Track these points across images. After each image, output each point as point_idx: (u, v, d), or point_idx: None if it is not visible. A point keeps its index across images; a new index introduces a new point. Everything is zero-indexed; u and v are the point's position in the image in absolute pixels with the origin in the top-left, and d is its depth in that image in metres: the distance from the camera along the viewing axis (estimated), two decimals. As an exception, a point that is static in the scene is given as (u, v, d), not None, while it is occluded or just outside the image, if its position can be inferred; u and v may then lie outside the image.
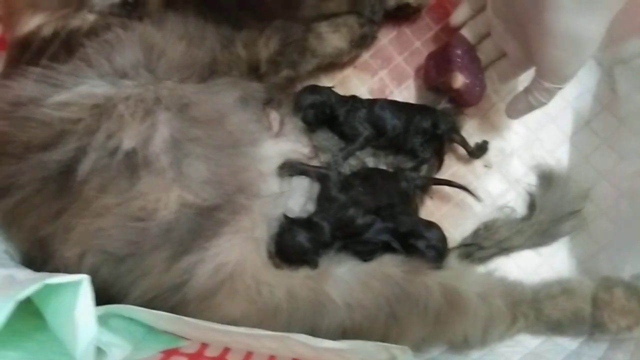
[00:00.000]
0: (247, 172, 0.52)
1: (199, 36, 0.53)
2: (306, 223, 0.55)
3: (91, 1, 0.50)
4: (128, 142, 0.47)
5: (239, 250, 0.50)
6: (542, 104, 0.54)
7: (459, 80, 0.58)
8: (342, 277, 0.51)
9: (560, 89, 0.51)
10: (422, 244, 0.54)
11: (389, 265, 0.52)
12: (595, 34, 0.45)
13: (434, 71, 0.62)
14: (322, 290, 0.50)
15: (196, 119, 0.50)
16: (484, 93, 0.61)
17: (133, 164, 0.47)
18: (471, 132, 0.65)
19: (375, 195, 0.58)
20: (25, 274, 0.50)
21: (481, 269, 0.60)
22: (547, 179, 0.63)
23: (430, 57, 0.63)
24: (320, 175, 0.58)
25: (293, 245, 0.53)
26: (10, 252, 0.55)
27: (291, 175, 0.57)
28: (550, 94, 0.52)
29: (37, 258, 0.51)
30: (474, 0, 0.60)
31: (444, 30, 0.67)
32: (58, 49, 0.49)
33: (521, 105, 0.55)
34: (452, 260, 0.57)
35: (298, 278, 0.51)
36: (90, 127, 0.47)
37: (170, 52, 0.52)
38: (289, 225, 0.54)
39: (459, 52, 0.58)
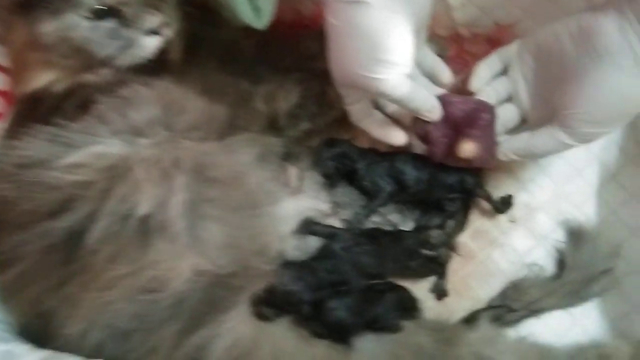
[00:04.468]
0: (265, 235, 0.49)
1: (219, 92, 0.52)
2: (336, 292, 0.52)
3: (113, 61, 0.48)
4: (143, 206, 0.44)
5: (253, 324, 0.46)
6: (544, 156, 0.52)
7: (469, 149, 0.53)
8: (369, 347, 0.48)
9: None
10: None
11: (419, 333, 0.49)
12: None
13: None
14: (347, 365, 0.46)
15: (214, 180, 0.48)
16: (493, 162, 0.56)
17: (146, 230, 0.44)
18: (494, 185, 0.62)
19: (380, 258, 0.56)
20: (24, 349, 0.46)
21: (512, 332, 0.57)
22: (576, 235, 0.60)
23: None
24: (329, 235, 0.55)
25: (335, 323, 0.49)
26: (11, 322, 0.51)
27: (304, 235, 0.54)
28: (563, 148, 0.51)
29: (38, 332, 0.47)
30: (492, 63, 0.57)
31: (465, 82, 0.65)
32: (71, 106, 0.47)
33: (520, 146, 0.53)
34: (484, 324, 0.53)
35: (321, 347, 0.48)
36: (102, 191, 0.44)
37: (189, 109, 0.50)
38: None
39: (487, 118, 0.54)
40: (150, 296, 0.44)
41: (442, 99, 0.54)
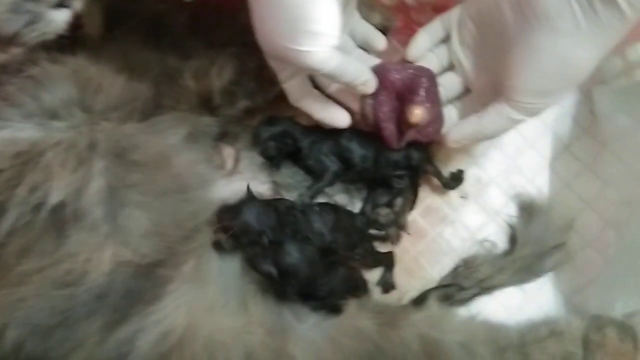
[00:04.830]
0: (195, 219, 0.46)
1: (141, 68, 0.48)
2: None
3: (23, 38, 0.44)
4: (55, 194, 0.41)
5: (187, 310, 0.44)
6: (496, 135, 0.50)
7: (418, 114, 0.51)
8: (307, 334, 0.46)
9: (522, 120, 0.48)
10: None
11: (360, 317, 0.47)
12: (588, 65, 0.41)
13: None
14: (284, 352, 0.44)
15: (136, 163, 0.44)
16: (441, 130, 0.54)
17: (61, 220, 0.41)
18: (445, 161, 0.60)
19: (333, 230, 0.53)
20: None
21: (463, 311, 0.56)
22: (527, 210, 0.58)
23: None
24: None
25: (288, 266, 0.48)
26: None
27: None
28: (513, 124, 0.48)
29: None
30: (433, 30, 0.54)
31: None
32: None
33: (470, 130, 0.51)
34: (432, 304, 0.52)
35: (258, 335, 0.46)
36: (11, 180, 0.41)
37: (107, 87, 0.46)
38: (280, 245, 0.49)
39: (426, 82, 0.51)
40: (67, 291, 0.41)
41: (379, 68, 0.51)
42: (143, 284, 0.42)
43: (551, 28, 0.41)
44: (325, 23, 0.42)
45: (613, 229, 0.58)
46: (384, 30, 0.60)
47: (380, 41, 0.55)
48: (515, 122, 0.48)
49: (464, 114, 0.54)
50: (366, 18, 0.57)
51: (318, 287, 0.49)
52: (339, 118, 0.53)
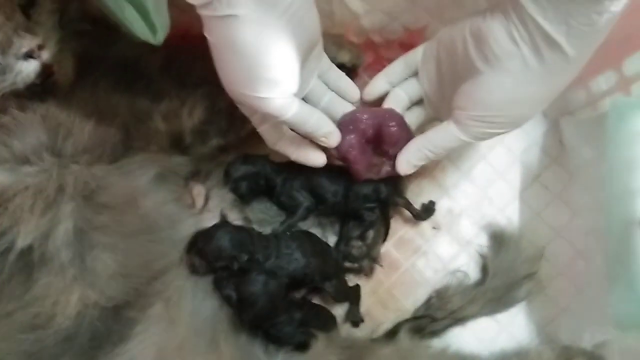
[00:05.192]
0: (163, 260, 0.47)
1: (109, 112, 0.49)
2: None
3: None
4: (23, 239, 0.42)
5: (155, 351, 0.44)
6: (445, 152, 0.50)
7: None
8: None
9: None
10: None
11: (327, 353, 0.47)
12: (535, 103, 0.43)
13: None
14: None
15: (104, 205, 0.45)
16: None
17: (28, 265, 0.42)
18: (417, 192, 0.61)
19: (307, 258, 0.54)
20: None
21: (436, 342, 0.56)
22: (498, 240, 0.59)
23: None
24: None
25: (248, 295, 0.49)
26: None
27: None
28: (458, 143, 0.49)
29: None
30: (393, 72, 0.55)
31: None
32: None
33: (416, 148, 0.51)
34: (403, 337, 0.52)
35: None
36: None
37: (77, 132, 0.47)
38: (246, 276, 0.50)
39: (395, 129, 0.52)
40: (35, 334, 0.42)
41: (350, 114, 0.53)
42: (110, 325, 0.43)
43: (500, 67, 0.42)
44: (281, 71, 0.42)
45: (583, 258, 0.58)
46: (354, 68, 0.62)
47: (354, 93, 0.56)
48: (461, 142, 0.48)
49: None
50: (335, 56, 0.59)
51: (273, 324, 0.49)
52: (315, 158, 0.53)
